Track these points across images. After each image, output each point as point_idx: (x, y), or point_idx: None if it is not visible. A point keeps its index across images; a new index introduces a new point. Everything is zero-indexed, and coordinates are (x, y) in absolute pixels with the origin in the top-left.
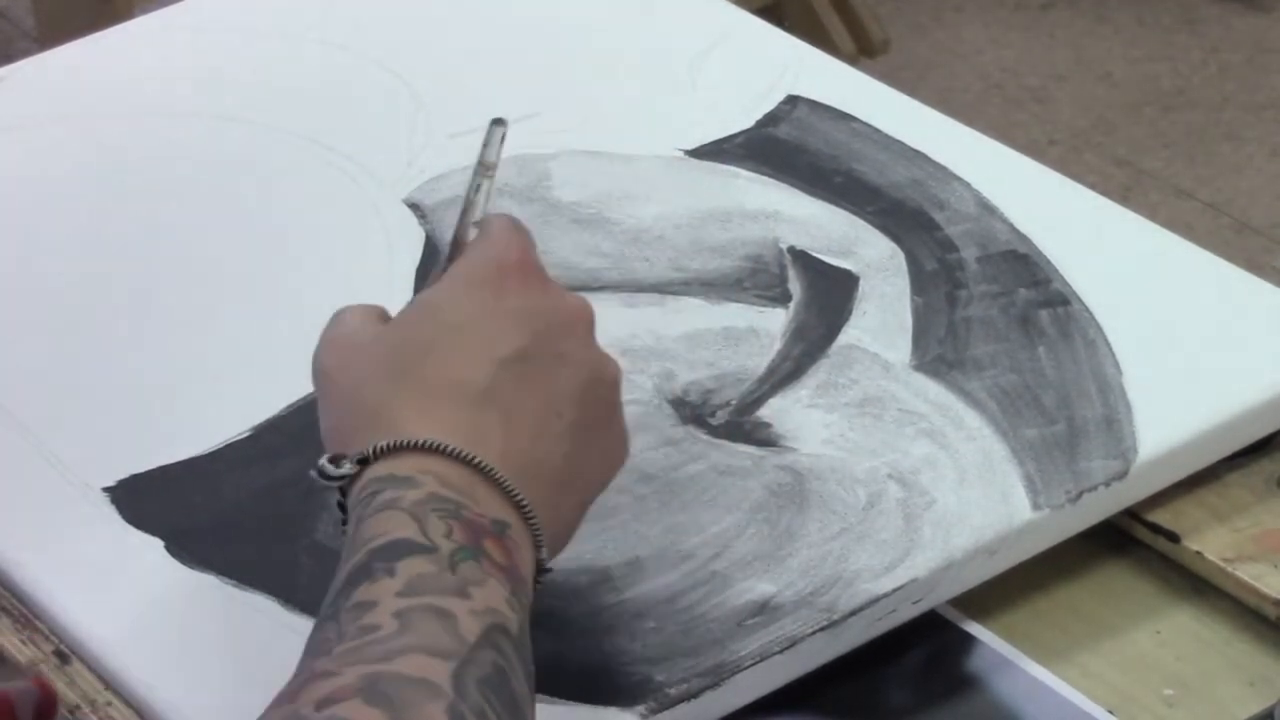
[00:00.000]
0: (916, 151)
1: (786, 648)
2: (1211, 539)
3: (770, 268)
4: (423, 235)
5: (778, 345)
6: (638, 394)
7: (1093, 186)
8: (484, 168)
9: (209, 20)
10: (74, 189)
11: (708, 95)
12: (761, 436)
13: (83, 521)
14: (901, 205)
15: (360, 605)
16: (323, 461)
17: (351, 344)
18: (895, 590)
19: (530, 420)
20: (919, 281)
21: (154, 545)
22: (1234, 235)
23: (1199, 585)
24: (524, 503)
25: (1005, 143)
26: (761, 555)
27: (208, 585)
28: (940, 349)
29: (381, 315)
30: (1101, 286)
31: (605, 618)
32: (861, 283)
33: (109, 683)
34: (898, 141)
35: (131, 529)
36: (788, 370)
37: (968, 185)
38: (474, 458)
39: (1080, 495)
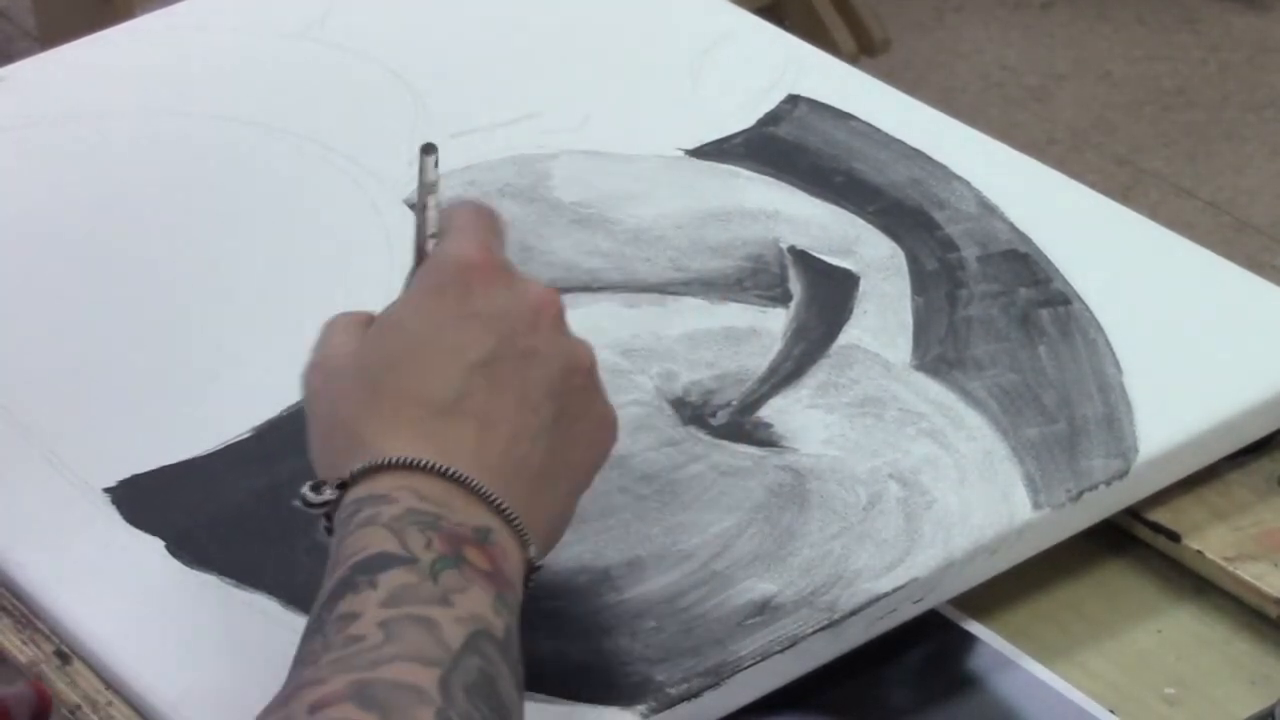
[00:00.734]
0: (917, 151)
1: (787, 647)
2: (1212, 538)
3: (771, 267)
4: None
5: (778, 345)
6: (638, 394)
7: (1093, 186)
8: (426, 188)
9: (209, 20)
10: (74, 189)
11: (708, 95)
12: (762, 436)
13: (83, 521)
14: (902, 205)
15: (345, 616)
16: (305, 490)
17: (329, 366)
18: (896, 590)
19: (506, 422)
20: (919, 281)
21: (154, 545)
22: (1234, 234)
23: (1200, 584)
24: (504, 506)
25: (1006, 142)
26: (762, 555)
27: (208, 585)
28: (941, 348)
29: (368, 324)
30: (1102, 286)
31: (606, 617)
32: (862, 282)
33: (110, 682)
34: (898, 141)
35: (132, 529)
36: (788, 370)
37: (968, 184)
38: (448, 469)
39: (1081, 494)
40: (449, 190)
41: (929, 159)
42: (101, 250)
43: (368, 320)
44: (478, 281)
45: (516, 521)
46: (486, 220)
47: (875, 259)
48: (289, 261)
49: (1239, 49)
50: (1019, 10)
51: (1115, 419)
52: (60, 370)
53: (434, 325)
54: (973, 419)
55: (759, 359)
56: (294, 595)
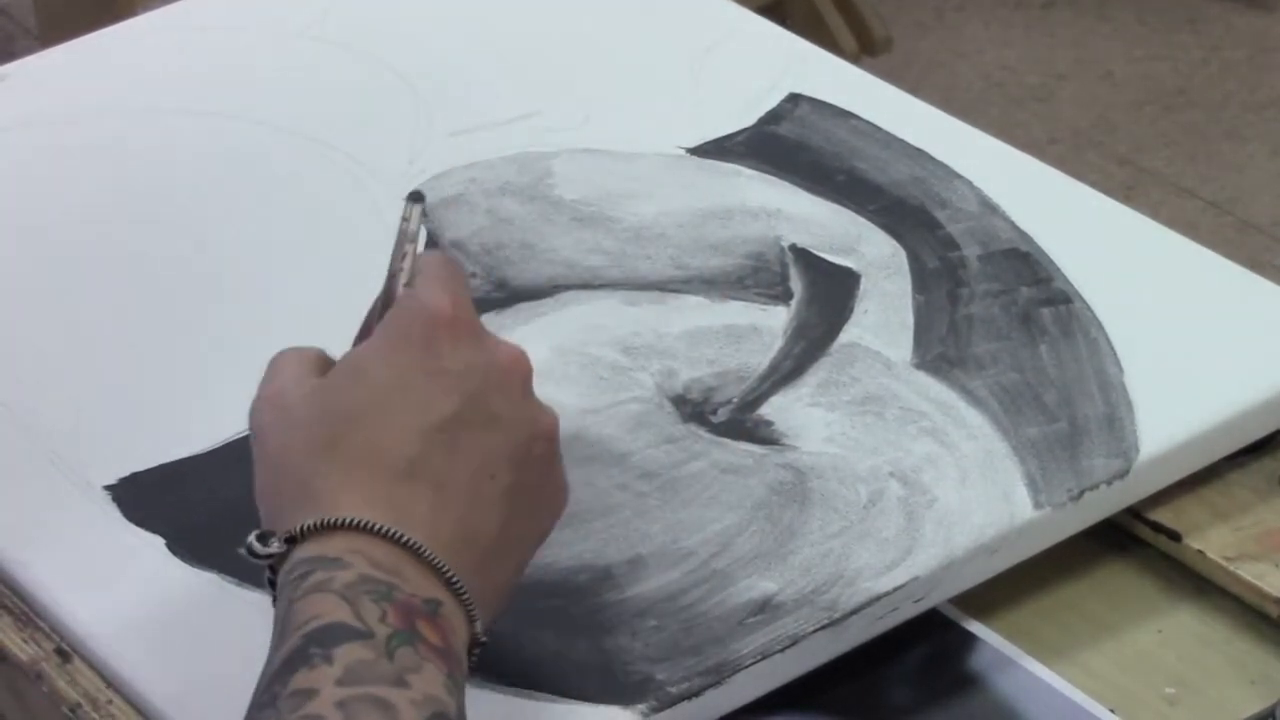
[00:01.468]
0: (918, 150)
1: (788, 646)
2: (1213, 538)
3: (772, 266)
4: (423, 234)
5: (779, 343)
6: (639, 392)
7: (1094, 185)
8: (406, 236)
9: (210, 19)
10: (75, 188)
11: (710, 93)
12: (763, 434)
13: (84, 520)
14: (903, 203)
15: (299, 693)
16: (251, 539)
17: (283, 403)
18: (896, 589)
19: (462, 489)
20: (920, 280)
21: (155, 544)
22: (1236, 234)
23: (1200, 584)
24: (455, 580)
25: (1007, 141)
26: (763, 553)
27: (209, 584)
28: (942, 347)
29: (319, 363)
30: (1103, 285)
31: (606, 616)
32: (863, 281)
33: (110, 681)
34: (899, 140)
35: (133, 527)
36: (789, 368)
37: (969, 183)
38: (402, 536)
39: (1082, 494)
40: (450, 189)
41: (930, 158)
42: (102, 249)
43: (318, 358)
44: (446, 336)
45: (465, 596)
46: (456, 273)
47: (876, 257)
48: (289, 260)
49: (1240, 48)
50: (1020, 10)
51: (1116, 418)
52: (60, 369)
53: (398, 379)
54: (974, 418)
55: (760, 357)
56: None
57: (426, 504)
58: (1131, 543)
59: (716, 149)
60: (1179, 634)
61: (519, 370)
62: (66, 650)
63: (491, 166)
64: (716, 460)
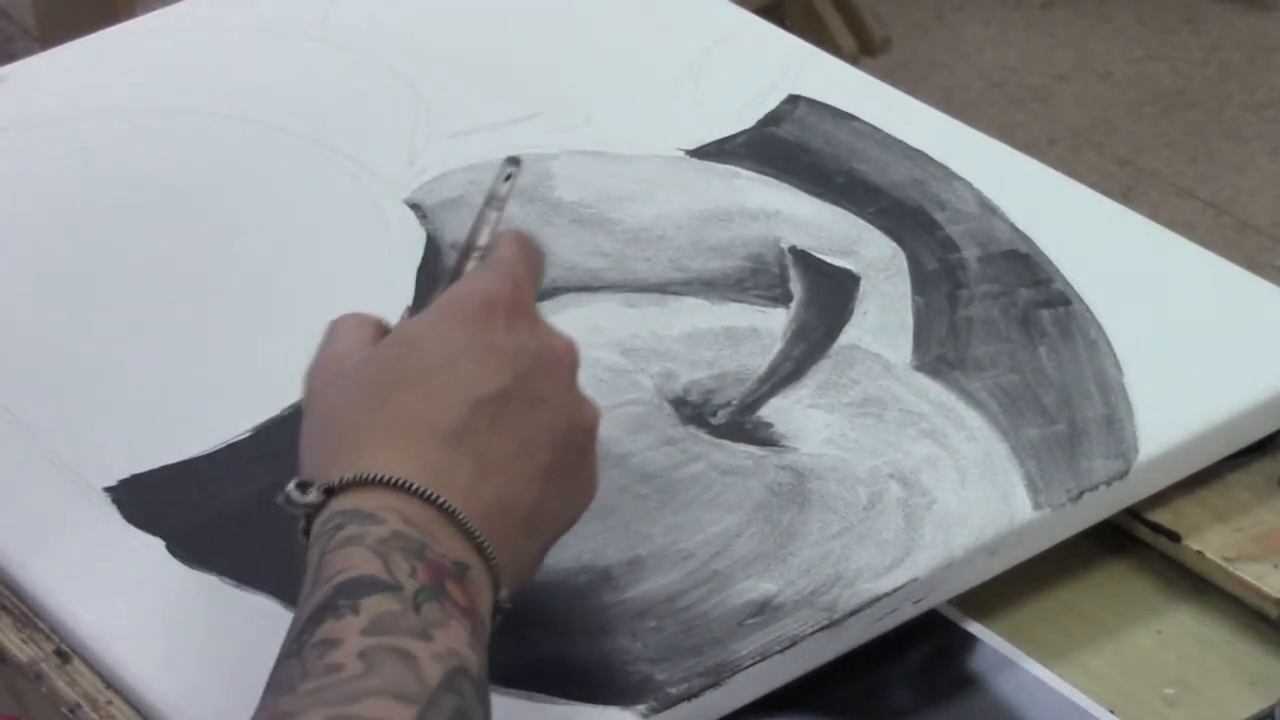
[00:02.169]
0: (917, 151)
1: (787, 647)
2: (1212, 538)
3: (771, 268)
4: (424, 235)
5: (779, 345)
6: (638, 393)
7: (1094, 186)
8: (494, 200)
9: (210, 19)
10: (75, 188)
11: (709, 95)
12: (762, 436)
13: (84, 521)
14: (902, 205)
15: (324, 643)
16: (290, 488)
17: (338, 366)
18: (896, 590)
19: (501, 463)
20: (920, 281)
21: (155, 545)
22: (1235, 234)
23: (1200, 585)
24: (485, 545)
25: (1006, 142)
26: (762, 555)
27: (208, 585)
28: (941, 349)
29: (377, 329)
30: (1102, 286)
31: (606, 617)
32: (862, 283)
33: (109, 681)
34: (899, 141)
35: (132, 529)
36: (789, 370)
37: (969, 185)
38: (438, 497)
39: (1081, 495)
40: (450, 191)
41: (929, 159)
42: (102, 250)
43: (377, 325)
44: (502, 319)
45: (494, 561)
46: (529, 255)
47: (876, 259)
48: (289, 260)
49: (1240, 49)
50: (1019, 10)
51: (1115, 419)
52: (61, 370)
53: (452, 351)
54: (973, 419)
55: (759, 359)
56: (294, 595)
57: (466, 472)
58: (1131, 544)
59: (716, 150)
60: (1178, 635)
61: (569, 359)
62: (66, 651)
63: (492, 168)
64: (716, 462)
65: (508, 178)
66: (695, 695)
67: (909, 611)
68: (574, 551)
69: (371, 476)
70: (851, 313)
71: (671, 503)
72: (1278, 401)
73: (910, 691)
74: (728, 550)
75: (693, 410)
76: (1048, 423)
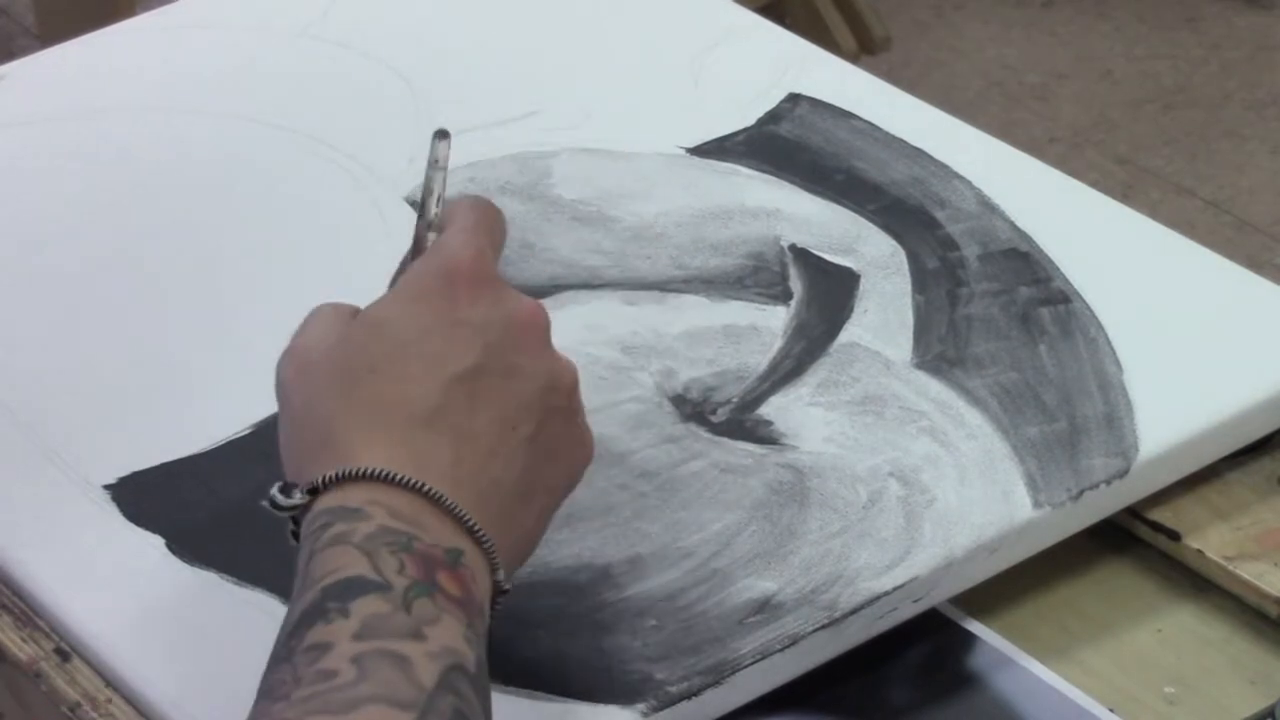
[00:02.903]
0: (917, 149)
1: (787, 646)
2: (1213, 537)
3: (771, 265)
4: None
5: (779, 343)
6: (638, 391)
7: (1094, 184)
8: (435, 164)
9: (210, 18)
10: (75, 187)
11: (709, 93)
12: (762, 434)
13: (83, 519)
14: (902, 203)
15: (315, 647)
16: (274, 491)
17: (309, 356)
18: (896, 588)
19: (483, 438)
20: (920, 279)
21: (155, 543)
22: (1235, 233)
23: (1200, 584)
24: (476, 528)
25: (1006, 140)
26: (762, 553)
27: (208, 583)
28: (941, 347)
29: (351, 317)
30: (1102, 284)
31: (606, 615)
32: (862, 281)
33: (109, 680)
34: (899, 139)
35: (132, 527)
36: (789, 368)
37: (969, 183)
38: (422, 485)
39: (1081, 493)
40: (450, 190)
41: (929, 157)
42: (101, 249)
43: (352, 313)
44: (465, 289)
45: (488, 544)
46: (487, 220)
47: (876, 257)
48: (289, 259)
49: (1240, 47)
50: (1020, 8)
51: (1116, 418)
52: (60, 369)
53: (418, 330)
54: (973, 417)
55: (759, 356)
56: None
57: (447, 453)
58: (1131, 542)
59: (716, 148)
60: (1178, 633)
61: (537, 323)
62: (66, 650)
63: (491, 166)
64: (716, 460)
65: (443, 138)
66: (695, 694)
67: (909, 610)
68: (574, 550)
69: (353, 471)
70: (851, 311)
71: (671, 500)
72: (1278, 400)
73: (910, 690)
74: (728, 548)
75: (693, 408)
76: (1048, 421)
